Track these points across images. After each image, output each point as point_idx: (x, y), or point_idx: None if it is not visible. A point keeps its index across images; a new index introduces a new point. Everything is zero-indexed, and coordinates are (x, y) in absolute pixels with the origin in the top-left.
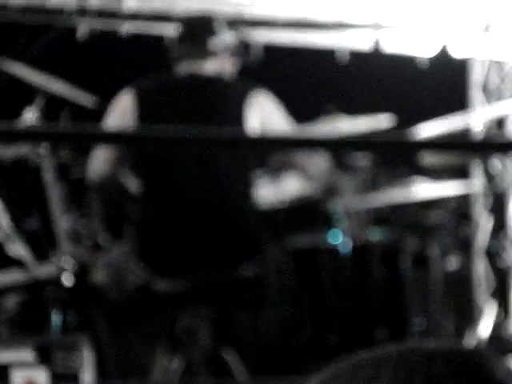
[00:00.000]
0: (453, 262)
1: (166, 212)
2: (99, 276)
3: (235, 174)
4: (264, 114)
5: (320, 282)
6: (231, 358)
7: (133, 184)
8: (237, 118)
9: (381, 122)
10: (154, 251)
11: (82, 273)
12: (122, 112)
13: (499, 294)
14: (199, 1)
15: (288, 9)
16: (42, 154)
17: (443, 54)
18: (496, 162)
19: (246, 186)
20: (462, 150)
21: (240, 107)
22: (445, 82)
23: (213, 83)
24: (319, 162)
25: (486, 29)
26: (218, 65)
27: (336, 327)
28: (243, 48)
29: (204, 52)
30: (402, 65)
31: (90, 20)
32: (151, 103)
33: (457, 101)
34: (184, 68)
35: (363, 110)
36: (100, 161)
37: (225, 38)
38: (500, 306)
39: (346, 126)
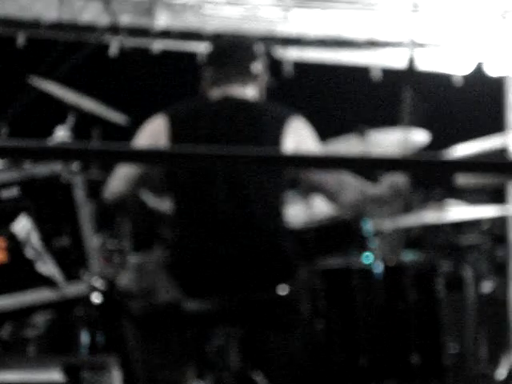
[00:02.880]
0: (487, 285)
1: (198, 232)
2: (126, 279)
3: (267, 195)
4: (299, 141)
5: (352, 304)
6: (261, 380)
7: (158, 203)
8: (273, 143)
9: (414, 140)
10: (185, 271)
11: (111, 292)
12: (153, 136)
13: None
14: (230, 19)
15: (321, 26)
16: (73, 171)
17: (478, 72)
18: None
19: (278, 207)
20: (498, 172)
21: (277, 133)
22: (480, 101)
23: (250, 108)
24: (348, 185)
25: None
26: (256, 89)
27: (368, 350)
28: (274, 66)
29: (245, 77)
30: (437, 83)
31: (122, 37)
32: (185, 127)
33: (492, 119)
34: (221, 92)
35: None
36: (117, 179)
37: (262, 60)
38: None
39: (378, 145)
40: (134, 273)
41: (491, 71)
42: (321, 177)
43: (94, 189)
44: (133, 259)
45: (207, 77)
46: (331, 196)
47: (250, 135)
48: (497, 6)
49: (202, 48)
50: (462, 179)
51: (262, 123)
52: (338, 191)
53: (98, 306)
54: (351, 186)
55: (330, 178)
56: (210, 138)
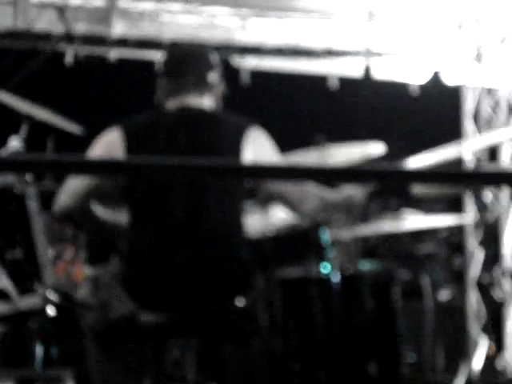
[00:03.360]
0: (445, 293)
1: (154, 244)
2: (82, 292)
3: (226, 205)
4: (258, 152)
5: (309, 313)
6: None
7: (112, 215)
8: (233, 154)
9: (371, 151)
10: (142, 284)
11: (66, 304)
12: (108, 148)
13: (492, 327)
14: (188, 27)
15: (278, 35)
16: (26, 183)
17: (435, 81)
18: (487, 193)
19: (237, 218)
20: (453, 182)
21: (236, 144)
22: (437, 109)
23: (208, 118)
24: (308, 193)
25: (478, 57)
26: (213, 99)
27: (325, 360)
28: (231, 75)
29: (202, 88)
30: (394, 92)
31: (78, 46)
32: (142, 139)
33: (449, 127)
34: (177, 103)
35: (354, 138)
36: (66, 193)
37: (218, 70)
38: (492, 338)
39: (336, 156)
40: (89, 285)
41: (448, 80)
42: (281, 187)
43: (48, 200)
44: (89, 272)
45: (163, 87)
46: (293, 205)
47: (209, 146)
48: (453, 16)
49: (159, 56)
50: (419, 188)
51: (220, 134)
52: (300, 200)
53: (53, 319)
54: (312, 194)
55: (290, 187)
56: (168, 149)
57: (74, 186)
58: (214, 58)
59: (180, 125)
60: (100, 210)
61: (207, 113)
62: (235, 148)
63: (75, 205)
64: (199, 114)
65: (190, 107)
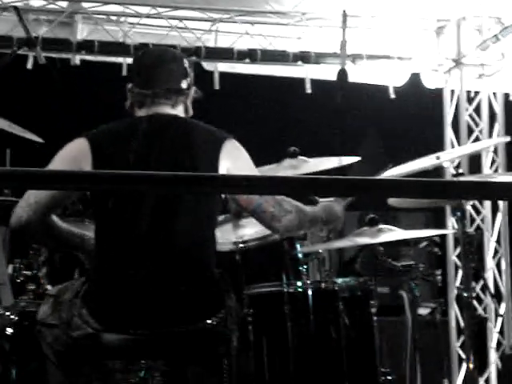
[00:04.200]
0: (424, 309)
1: (121, 261)
2: (43, 310)
3: (196, 220)
4: (234, 165)
5: (283, 330)
6: None
7: (74, 229)
8: (209, 165)
9: (346, 162)
10: (106, 303)
11: (26, 323)
12: (75, 160)
13: (474, 343)
14: (157, 30)
15: (249, 39)
16: None
17: (414, 83)
18: (468, 205)
19: (207, 233)
20: (433, 194)
21: (213, 155)
22: (415, 112)
23: (185, 128)
24: (291, 205)
25: (457, 62)
26: (184, 106)
27: (299, 378)
28: (202, 79)
29: (174, 97)
30: (372, 94)
31: (40, 51)
32: (111, 149)
33: (428, 133)
34: (150, 113)
35: (329, 142)
36: (25, 204)
37: (190, 76)
38: (473, 355)
39: (310, 168)
40: (51, 303)
41: (427, 83)
42: (261, 200)
43: (7, 214)
44: (51, 289)
45: (133, 96)
46: (273, 219)
47: (186, 155)
48: (433, 20)
49: (125, 58)
50: (399, 200)
51: (197, 143)
52: (277, 213)
53: (12, 339)
54: (292, 207)
55: (270, 200)
56: (141, 158)
57: (33, 197)
58: (186, 64)
59: (154, 133)
60: (61, 223)
61: (183, 121)
62: (212, 158)
63: (35, 216)
64: (174, 123)
65: (164, 115)
